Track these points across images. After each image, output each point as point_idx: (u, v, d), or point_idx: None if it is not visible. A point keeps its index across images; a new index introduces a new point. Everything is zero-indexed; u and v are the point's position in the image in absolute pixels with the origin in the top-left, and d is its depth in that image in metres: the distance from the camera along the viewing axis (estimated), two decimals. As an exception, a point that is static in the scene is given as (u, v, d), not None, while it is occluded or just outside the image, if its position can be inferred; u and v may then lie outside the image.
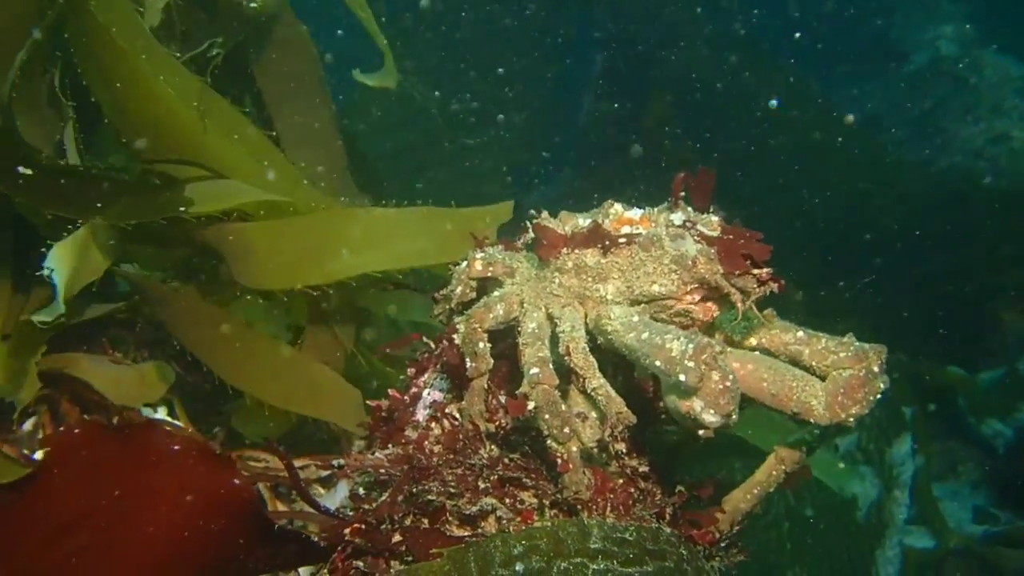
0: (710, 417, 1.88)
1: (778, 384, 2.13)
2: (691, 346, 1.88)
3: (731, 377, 1.86)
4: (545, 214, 2.32)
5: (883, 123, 11.70)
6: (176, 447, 2.12)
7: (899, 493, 5.49)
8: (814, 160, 9.09)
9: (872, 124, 11.38)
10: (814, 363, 2.23)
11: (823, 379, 2.18)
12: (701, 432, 2.25)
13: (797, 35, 11.36)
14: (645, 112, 9.49)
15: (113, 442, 2.11)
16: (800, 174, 9.01)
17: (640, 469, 2.29)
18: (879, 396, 2.16)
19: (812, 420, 2.12)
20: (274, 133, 3.90)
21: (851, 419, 2.13)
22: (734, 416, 1.88)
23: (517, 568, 1.83)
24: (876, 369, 2.16)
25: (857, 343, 2.21)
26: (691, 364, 1.85)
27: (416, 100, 9.40)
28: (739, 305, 2.10)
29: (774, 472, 2.32)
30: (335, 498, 2.61)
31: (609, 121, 9.67)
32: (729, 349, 2.17)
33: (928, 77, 11.81)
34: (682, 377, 1.85)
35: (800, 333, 2.28)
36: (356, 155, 4.46)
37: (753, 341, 2.32)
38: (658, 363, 1.93)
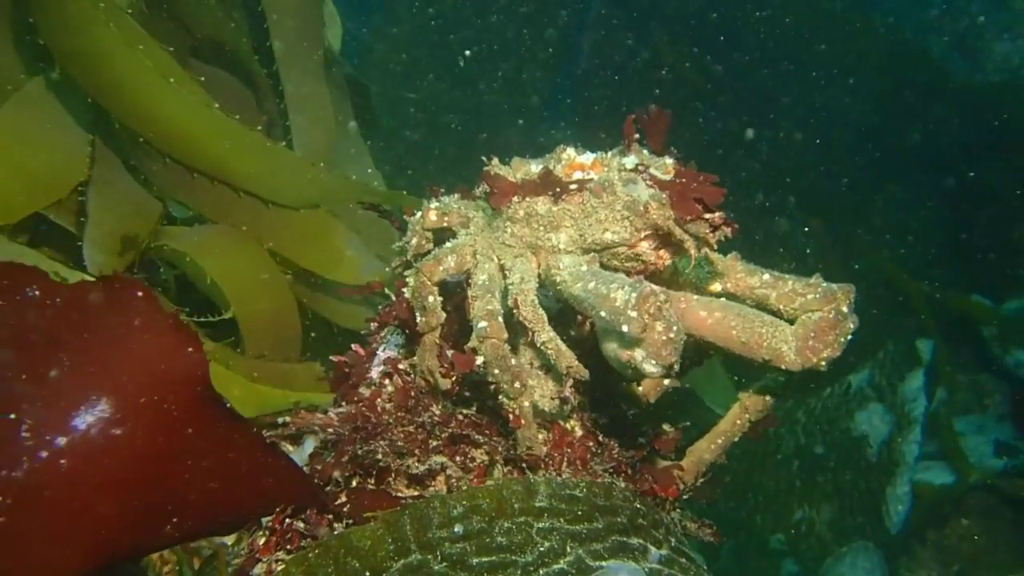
0: (650, 367, 1.81)
1: (747, 331, 2.06)
2: (635, 295, 1.81)
3: (675, 328, 1.79)
4: (495, 161, 2.24)
5: (916, 36, 11.30)
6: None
7: (910, 430, 5.40)
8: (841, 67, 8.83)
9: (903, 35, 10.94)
10: (781, 306, 2.17)
11: (791, 322, 2.12)
12: (648, 383, 2.23)
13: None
14: (647, 47, 9.27)
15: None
16: (826, 84, 8.77)
17: (600, 421, 2.25)
18: (850, 337, 2.10)
19: (784, 366, 2.06)
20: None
21: (823, 363, 2.07)
22: (675, 367, 1.82)
23: (456, 529, 1.80)
24: (845, 309, 2.09)
25: (825, 283, 2.14)
26: (634, 314, 1.79)
27: (429, 49, 9.36)
28: (692, 252, 2.03)
29: (738, 421, 2.27)
30: (302, 454, 2.60)
31: (610, 59, 9.45)
32: (695, 297, 2.11)
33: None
34: (625, 327, 1.79)
35: (766, 276, 2.21)
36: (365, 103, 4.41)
37: (718, 286, 2.25)
38: (603, 313, 1.86)
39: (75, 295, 1.65)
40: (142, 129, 3.22)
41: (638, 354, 1.81)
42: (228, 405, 1.79)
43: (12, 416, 1.58)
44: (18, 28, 3.33)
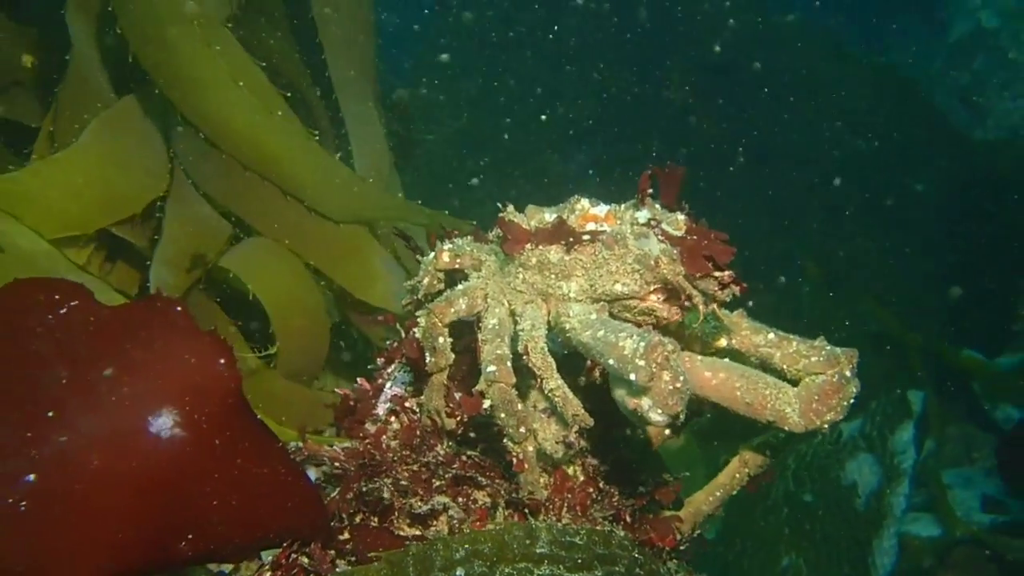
0: (657, 416, 1.85)
1: (752, 392, 2.09)
2: (643, 344, 1.85)
3: (682, 378, 1.83)
4: (511, 208, 2.28)
5: (923, 89, 11.41)
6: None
7: (899, 482, 5.44)
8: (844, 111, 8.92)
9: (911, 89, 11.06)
10: (785, 366, 2.20)
11: (794, 383, 2.15)
12: (650, 428, 2.26)
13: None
14: (666, 84, 9.36)
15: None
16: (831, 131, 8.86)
17: (602, 468, 2.28)
18: (852, 401, 2.13)
19: (787, 428, 2.09)
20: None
21: (825, 426, 2.10)
22: (681, 416, 1.85)
23: (458, 573, 1.82)
24: (848, 373, 2.13)
25: (829, 347, 2.18)
26: (642, 363, 1.82)
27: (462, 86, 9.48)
28: (700, 308, 2.07)
29: (737, 475, 2.30)
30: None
31: (629, 94, 9.53)
32: (700, 357, 2.14)
33: (969, 48, 11.55)
34: (633, 376, 1.82)
35: (771, 335, 2.25)
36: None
37: (723, 342, 2.29)
38: (611, 361, 1.90)
39: (117, 311, 1.71)
40: (204, 123, 3.28)
41: (645, 403, 1.85)
42: (259, 420, 1.83)
43: (50, 414, 1.62)
44: (106, 48, 3.45)
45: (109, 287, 3.15)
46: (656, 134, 8.94)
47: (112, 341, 1.69)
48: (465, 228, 3.55)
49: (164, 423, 1.70)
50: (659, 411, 1.84)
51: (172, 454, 1.70)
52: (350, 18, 3.95)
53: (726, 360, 2.17)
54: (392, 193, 3.97)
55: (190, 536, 1.76)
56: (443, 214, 3.85)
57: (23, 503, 1.58)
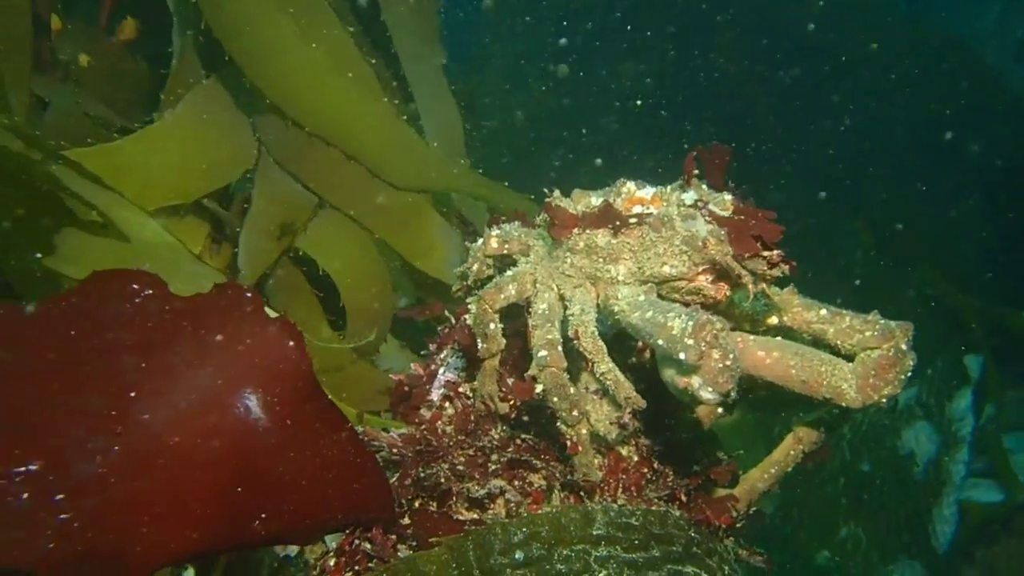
0: (707, 395, 1.84)
1: (807, 370, 2.08)
2: (691, 323, 1.84)
3: (732, 356, 1.82)
4: (557, 193, 2.30)
5: (974, 48, 11.11)
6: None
7: (957, 450, 5.36)
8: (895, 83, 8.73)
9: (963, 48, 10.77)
10: (839, 342, 2.18)
11: (849, 359, 2.14)
12: (702, 408, 2.27)
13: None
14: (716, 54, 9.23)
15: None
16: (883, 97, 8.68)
17: (656, 448, 2.30)
18: (909, 374, 2.12)
19: (844, 404, 2.08)
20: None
21: (883, 400, 2.09)
22: (732, 394, 1.85)
23: (516, 556, 1.86)
24: (904, 347, 2.11)
25: (883, 320, 2.16)
26: (691, 342, 1.82)
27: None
28: (750, 287, 2.07)
29: (792, 452, 2.30)
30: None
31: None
32: (752, 337, 2.13)
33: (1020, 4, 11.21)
34: (682, 355, 1.83)
35: (823, 311, 2.23)
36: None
37: (774, 320, 2.28)
38: (660, 341, 1.90)
39: (190, 299, 1.79)
40: (270, 87, 3.35)
41: (695, 381, 1.85)
42: (330, 401, 1.89)
43: (132, 394, 1.71)
44: (196, 29, 3.53)
45: (217, 272, 3.24)
46: (704, 104, 8.83)
47: (186, 327, 1.77)
48: (523, 204, 3.59)
49: (239, 404, 1.78)
50: (710, 389, 1.84)
51: (247, 434, 1.78)
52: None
53: (779, 339, 2.16)
54: (458, 162, 3.97)
55: (263, 516, 1.83)
56: (503, 186, 3.85)
57: (111, 476, 1.68)
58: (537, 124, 9.17)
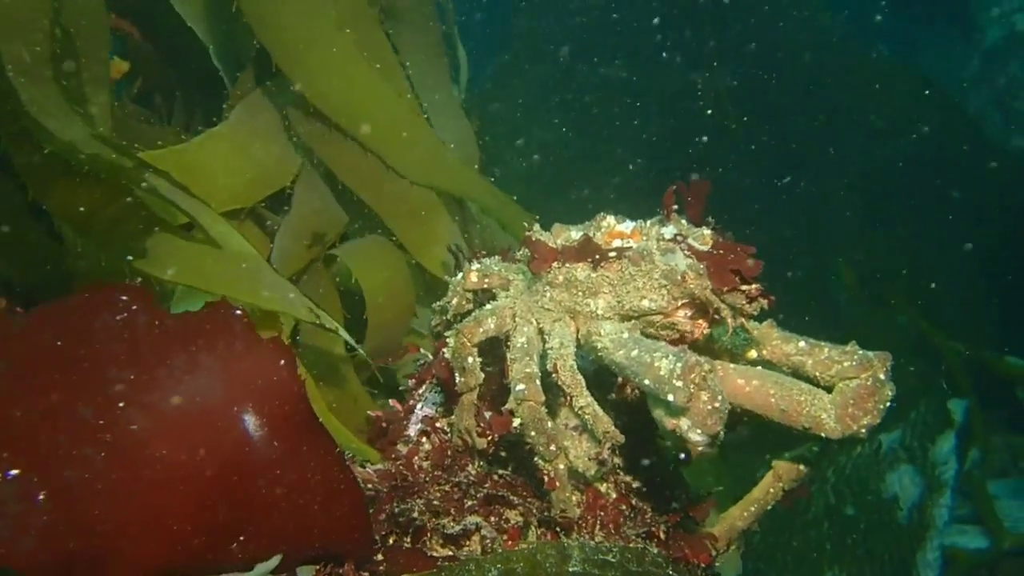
0: (696, 436, 1.85)
1: (786, 399, 2.08)
2: (680, 365, 1.85)
3: (720, 398, 1.83)
4: (537, 227, 2.31)
5: (957, 95, 11.28)
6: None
7: (941, 494, 5.35)
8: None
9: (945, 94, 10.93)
10: (818, 373, 2.19)
11: (828, 390, 2.14)
12: (689, 448, 2.25)
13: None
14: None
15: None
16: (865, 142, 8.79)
17: (634, 485, 2.28)
18: (889, 404, 2.12)
19: (823, 434, 2.07)
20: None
21: (863, 430, 2.08)
22: (720, 436, 1.86)
23: (491, 593, 1.83)
24: (883, 376, 2.11)
25: (861, 351, 2.16)
26: (679, 384, 1.83)
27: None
28: (729, 321, 2.07)
29: (771, 489, 2.29)
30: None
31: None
32: (732, 366, 2.13)
33: (1003, 53, 11.41)
34: (671, 397, 1.83)
35: (802, 343, 2.24)
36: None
37: (754, 354, 2.28)
38: (647, 381, 1.91)
39: (181, 316, 1.81)
40: (299, 73, 3.40)
41: (683, 423, 1.85)
42: (321, 426, 1.89)
43: (121, 405, 1.71)
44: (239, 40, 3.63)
45: (291, 285, 3.18)
46: (690, 144, 8.90)
47: (177, 343, 1.78)
48: (525, 222, 3.63)
49: (227, 421, 1.78)
50: (698, 432, 1.84)
51: (233, 452, 1.78)
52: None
53: (759, 368, 2.17)
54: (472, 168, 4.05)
55: (242, 538, 1.81)
56: (511, 199, 3.91)
57: (96, 484, 1.67)
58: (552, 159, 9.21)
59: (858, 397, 2.08)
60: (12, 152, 2.69)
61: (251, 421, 1.79)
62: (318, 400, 2.98)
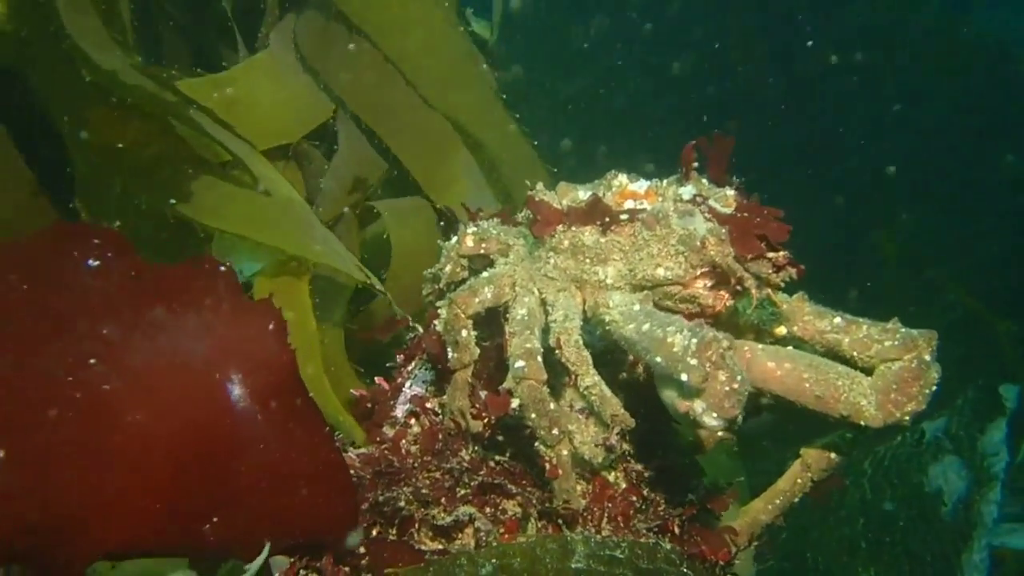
0: (712, 420, 1.83)
1: (822, 383, 2.06)
2: (695, 341, 1.83)
3: (739, 378, 1.81)
4: (540, 187, 2.29)
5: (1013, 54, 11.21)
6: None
7: (989, 488, 5.34)
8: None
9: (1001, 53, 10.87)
10: (855, 353, 2.17)
11: (866, 372, 2.13)
12: (703, 433, 2.25)
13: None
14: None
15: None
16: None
17: (646, 474, 2.28)
18: (934, 388, 2.10)
19: (863, 423, 2.06)
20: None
21: (906, 418, 2.07)
22: (738, 420, 1.84)
23: (484, 591, 1.83)
24: (928, 358, 2.09)
25: (904, 329, 2.14)
26: (694, 362, 1.81)
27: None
28: (753, 292, 2.05)
29: (799, 480, 2.28)
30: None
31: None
32: (760, 346, 2.12)
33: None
34: (684, 376, 1.81)
35: (837, 319, 2.22)
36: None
37: (782, 330, 2.26)
38: (659, 359, 1.89)
39: (161, 268, 1.77)
40: None
41: (698, 406, 1.82)
42: (311, 401, 1.88)
43: (92, 361, 1.68)
44: None
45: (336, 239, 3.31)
46: (723, 99, 8.86)
47: (156, 299, 1.75)
48: (541, 175, 3.65)
49: (208, 387, 1.76)
50: (714, 415, 1.82)
51: (213, 425, 1.76)
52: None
53: (790, 348, 2.15)
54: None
55: (215, 519, 1.79)
56: (531, 145, 4.01)
57: (63, 449, 1.64)
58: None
59: (901, 381, 2.06)
60: (51, 82, 2.77)
61: (235, 391, 1.77)
62: (316, 361, 3.00)
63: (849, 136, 8.67)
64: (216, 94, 3.23)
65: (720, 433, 2.37)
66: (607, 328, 2.11)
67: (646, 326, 1.99)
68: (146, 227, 3.03)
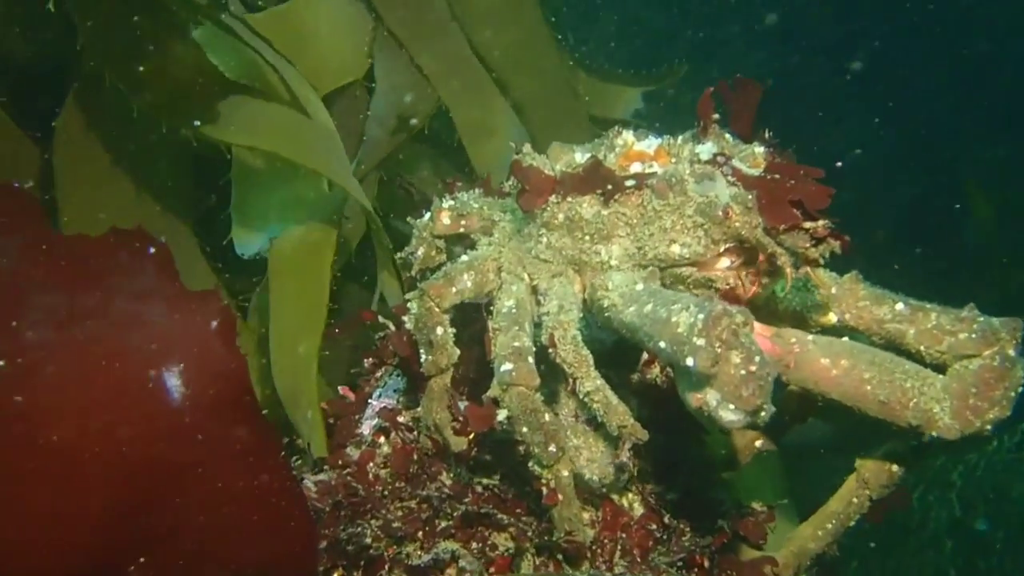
0: (729, 415, 1.76)
1: (887, 385, 2.02)
2: (701, 317, 1.79)
3: (757, 359, 1.74)
4: (527, 148, 2.26)
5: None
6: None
7: (1105, 501, 5.32)
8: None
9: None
10: (922, 348, 2.14)
11: (937, 369, 2.10)
12: (738, 439, 2.23)
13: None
14: None
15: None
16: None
17: (667, 497, 2.27)
18: (1020, 390, 2.08)
19: (935, 433, 2.03)
20: None
21: (988, 427, 2.04)
22: (764, 413, 1.77)
23: (466, 645, 1.82)
24: (1012, 352, 2.06)
25: (983, 318, 2.11)
26: (701, 342, 1.75)
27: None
28: (787, 272, 2.02)
29: (855, 498, 2.25)
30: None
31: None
32: (811, 338, 2.08)
33: None
34: (690, 361, 1.75)
35: (900, 305, 2.19)
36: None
37: (832, 318, 2.24)
38: (663, 344, 1.84)
39: (80, 240, 1.76)
40: None
41: (711, 397, 1.76)
42: (262, 417, 1.86)
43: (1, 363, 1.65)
44: None
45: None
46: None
47: (74, 282, 1.73)
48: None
49: (137, 401, 1.73)
50: (731, 407, 1.75)
51: (141, 439, 1.73)
52: None
53: (846, 341, 2.11)
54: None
55: (142, 560, 1.77)
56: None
57: None
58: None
59: (981, 383, 2.03)
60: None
61: (173, 403, 1.74)
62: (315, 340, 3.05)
63: (922, 70, 8.64)
64: (280, 25, 3.38)
65: (758, 444, 2.37)
66: (606, 314, 2.08)
67: (648, 307, 1.95)
68: (161, 166, 3.24)
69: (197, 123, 2.90)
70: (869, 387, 2.02)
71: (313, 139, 3.12)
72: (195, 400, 1.76)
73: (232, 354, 1.78)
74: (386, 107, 3.81)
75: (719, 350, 1.73)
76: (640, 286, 2.05)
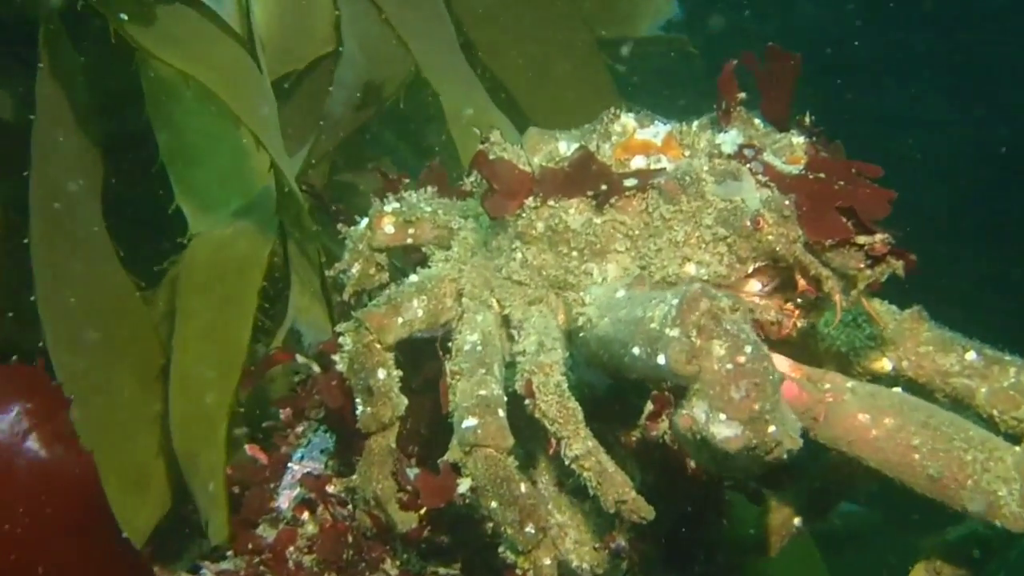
0: (723, 429, 1.67)
1: (941, 456, 2.02)
2: (676, 303, 1.77)
3: (748, 348, 1.69)
4: (497, 135, 2.26)
5: None
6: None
7: None
8: None
9: None
10: (995, 412, 2.18)
11: (1013, 440, 2.12)
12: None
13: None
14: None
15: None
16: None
17: (678, 590, 2.29)
18: None
19: (998, 522, 2.05)
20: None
21: None
22: (771, 426, 1.72)
23: None
24: None
25: None
26: (674, 332, 1.73)
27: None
28: (836, 299, 2.04)
29: (922, 600, 2.28)
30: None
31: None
32: (850, 384, 2.08)
33: None
34: (661, 359, 1.72)
35: (971, 355, 2.21)
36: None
37: (884, 364, 2.26)
38: (636, 350, 1.82)
39: None
40: None
41: (698, 410, 1.73)
42: (118, 530, 1.93)
43: None
44: None
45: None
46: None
47: None
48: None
49: None
50: (721, 416, 1.70)
51: None
52: None
53: (896, 392, 2.13)
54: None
55: None
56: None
57: None
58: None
59: None
60: None
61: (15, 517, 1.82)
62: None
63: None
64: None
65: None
66: (581, 336, 2.07)
67: (624, 311, 1.94)
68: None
69: (123, 16, 3.03)
70: (917, 455, 2.01)
71: (230, 62, 3.26)
72: (40, 515, 1.87)
73: (82, 461, 1.89)
74: (354, 76, 4.00)
75: (696, 340, 1.68)
76: (622, 292, 2.04)
